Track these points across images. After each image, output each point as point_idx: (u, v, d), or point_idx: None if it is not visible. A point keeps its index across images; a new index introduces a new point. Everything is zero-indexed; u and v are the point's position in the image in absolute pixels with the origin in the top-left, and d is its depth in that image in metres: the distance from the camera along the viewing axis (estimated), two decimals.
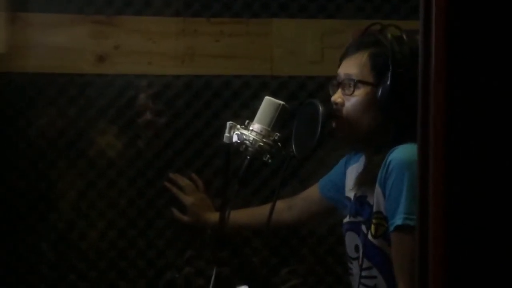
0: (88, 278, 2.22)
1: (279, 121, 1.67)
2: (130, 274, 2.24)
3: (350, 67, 1.73)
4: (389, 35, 1.69)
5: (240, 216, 2.09)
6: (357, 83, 1.70)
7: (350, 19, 2.27)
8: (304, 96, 2.22)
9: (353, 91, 1.71)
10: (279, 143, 1.66)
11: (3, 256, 2.18)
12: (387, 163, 1.62)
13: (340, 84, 1.75)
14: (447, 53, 1.01)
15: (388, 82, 1.64)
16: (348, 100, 1.72)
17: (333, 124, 1.73)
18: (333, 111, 1.73)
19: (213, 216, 2.13)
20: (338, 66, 1.77)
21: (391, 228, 1.61)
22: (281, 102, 1.69)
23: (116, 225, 2.23)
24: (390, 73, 1.64)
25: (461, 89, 1.01)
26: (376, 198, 1.66)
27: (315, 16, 2.28)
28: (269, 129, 1.66)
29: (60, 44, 2.20)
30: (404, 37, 1.69)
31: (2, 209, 2.18)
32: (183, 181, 2.22)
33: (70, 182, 2.21)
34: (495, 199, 1.02)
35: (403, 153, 1.61)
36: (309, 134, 1.67)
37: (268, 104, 1.69)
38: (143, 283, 2.24)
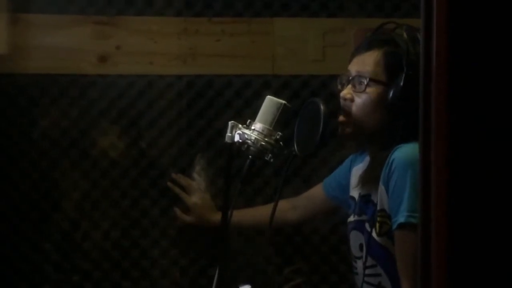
0: (91, 278, 2.22)
1: (281, 120, 1.67)
2: (133, 274, 2.24)
3: (363, 65, 1.72)
4: (404, 35, 1.69)
5: (243, 215, 2.09)
6: (369, 81, 1.70)
7: (351, 18, 2.27)
8: (306, 95, 2.22)
9: (365, 89, 1.70)
10: (281, 142, 1.66)
11: (7, 256, 2.18)
12: (390, 161, 1.62)
13: (350, 81, 1.74)
14: (449, 51, 1.00)
15: (401, 83, 1.64)
16: (359, 97, 1.72)
17: (339, 120, 1.73)
18: (341, 106, 1.73)
19: (216, 216, 2.13)
20: (349, 62, 1.77)
21: (394, 226, 1.61)
22: (283, 101, 1.68)
23: (119, 225, 2.23)
24: (404, 74, 1.64)
25: (463, 87, 1.01)
26: (380, 197, 1.66)
27: (317, 15, 2.28)
28: (271, 128, 1.65)
29: (62, 45, 2.20)
30: (419, 37, 1.68)
31: (5, 209, 2.18)
32: (185, 181, 2.22)
33: (73, 182, 2.22)
34: (498, 197, 1.01)
35: (406, 151, 1.61)
36: (311, 133, 1.67)
37: (269, 103, 1.68)
38: (146, 283, 2.24)
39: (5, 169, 2.18)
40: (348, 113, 1.73)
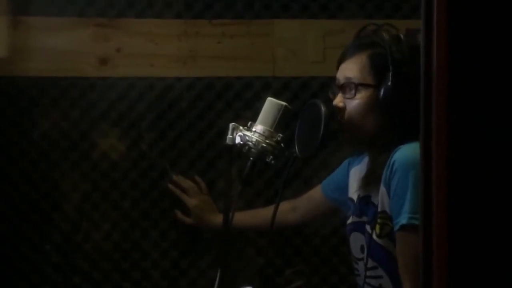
0: (92, 280, 2.22)
1: (282, 122, 1.67)
2: (134, 276, 2.24)
3: (350, 70, 1.72)
4: (385, 35, 1.69)
5: (244, 217, 2.09)
6: (358, 86, 1.70)
7: (351, 19, 2.26)
8: (306, 97, 2.22)
9: (355, 95, 1.70)
10: (282, 144, 1.66)
11: (7, 257, 2.18)
12: (391, 162, 1.62)
13: (340, 88, 1.74)
14: (449, 52, 1.00)
15: (389, 83, 1.64)
16: (350, 103, 1.72)
17: (336, 127, 1.73)
18: (335, 115, 1.73)
19: (217, 218, 2.13)
20: (337, 70, 1.77)
21: (396, 227, 1.61)
22: (284, 103, 1.68)
23: (120, 226, 2.23)
24: (390, 74, 1.64)
25: (463, 88, 1.01)
26: (381, 198, 1.66)
27: (317, 17, 2.28)
28: (272, 130, 1.66)
29: (62, 48, 2.20)
30: (401, 35, 1.69)
31: (6, 210, 2.18)
32: (186, 183, 2.22)
33: (73, 184, 2.22)
34: (499, 198, 1.01)
35: (407, 152, 1.61)
36: (312, 134, 1.67)
37: (270, 105, 1.68)
38: (147, 285, 2.24)
39: (6, 170, 2.18)
40: (343, 121, 1.72)
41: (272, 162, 1.66)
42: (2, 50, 2.15)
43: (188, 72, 2.25)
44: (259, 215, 2.13)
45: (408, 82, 1.60)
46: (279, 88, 2.26)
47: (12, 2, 2.17)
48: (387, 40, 1.67)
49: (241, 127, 1.66)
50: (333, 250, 2.28)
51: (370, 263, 1.71)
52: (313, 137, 1.66)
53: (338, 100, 1.74)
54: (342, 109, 1.72)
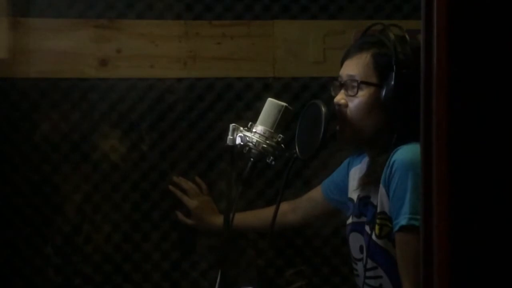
0: (93, 281, 2.22)
1: (282, 123, 1.67)
2: (134, 277, 2.24)
3: (353, 68, 1.73)
4: (391, 35, 1.69)
5: (244, 218, 2.09)
6: (361, 84, 1.70)
7: (351, 20, 2.27)
8: (307, 97, 2.22)
9: (357, 92, 1.70)
10: (282, 145, 1.66)
11: (9, 259, 2.18)
12: (391, 163, 1.62)
13: (342, 85, 1.74)
14: (449, 53, 1.01)
15: (392, 83, 1.64)
16: (351, 101, 1.72)
17: (336, 126, 1.73)
18: (336, 112, 1.73)
19: (218, 219, 2.13)
20: (340, 67, 1.77)
21: (396, 228, 1.61)
22: (284, 104, 1.69)
23: (121, 228, 2.23)
24: (393, 74, 1.64)
25: (464, 88, 1.01)
26: (380, 199, 1.66)
27: (317, 17, 2.28)
28: (272, 130, 1.66)
29: (63, 49, 2.20)
30: (407, 36, 1.69)
31: (6, 212, 2.18)
32: (187, 184, 2.22)
33: (74, 186, 2.22)
34: (499, 198, 1.01)
35: (407, 153, 1.61)
36: (312, 135, 1.67)
37: (271, 105, 1.69)
38: (148, 286, 2.24)
39: (7, 172, 2.18)
40: (343, 119, 1.73)
41: (273, 162, 1.67)
42: (3, 52, 2.15)
43: (188, 73, 2.25)
44: (260, 216, 2.13)
45: (410, 83, 1.60)
46: (279, 89, 2.26)
47: (13, 3, 2.17)
48: (392, 40, 1.68)
49: (241, 128, 1.67)
50: (334, 251, 2.28)
51: (370, 264, 1.71)
52: (313, 137, 1.66)
53: (340, 97, 1.74)
54: (344, 106, 1.72)
